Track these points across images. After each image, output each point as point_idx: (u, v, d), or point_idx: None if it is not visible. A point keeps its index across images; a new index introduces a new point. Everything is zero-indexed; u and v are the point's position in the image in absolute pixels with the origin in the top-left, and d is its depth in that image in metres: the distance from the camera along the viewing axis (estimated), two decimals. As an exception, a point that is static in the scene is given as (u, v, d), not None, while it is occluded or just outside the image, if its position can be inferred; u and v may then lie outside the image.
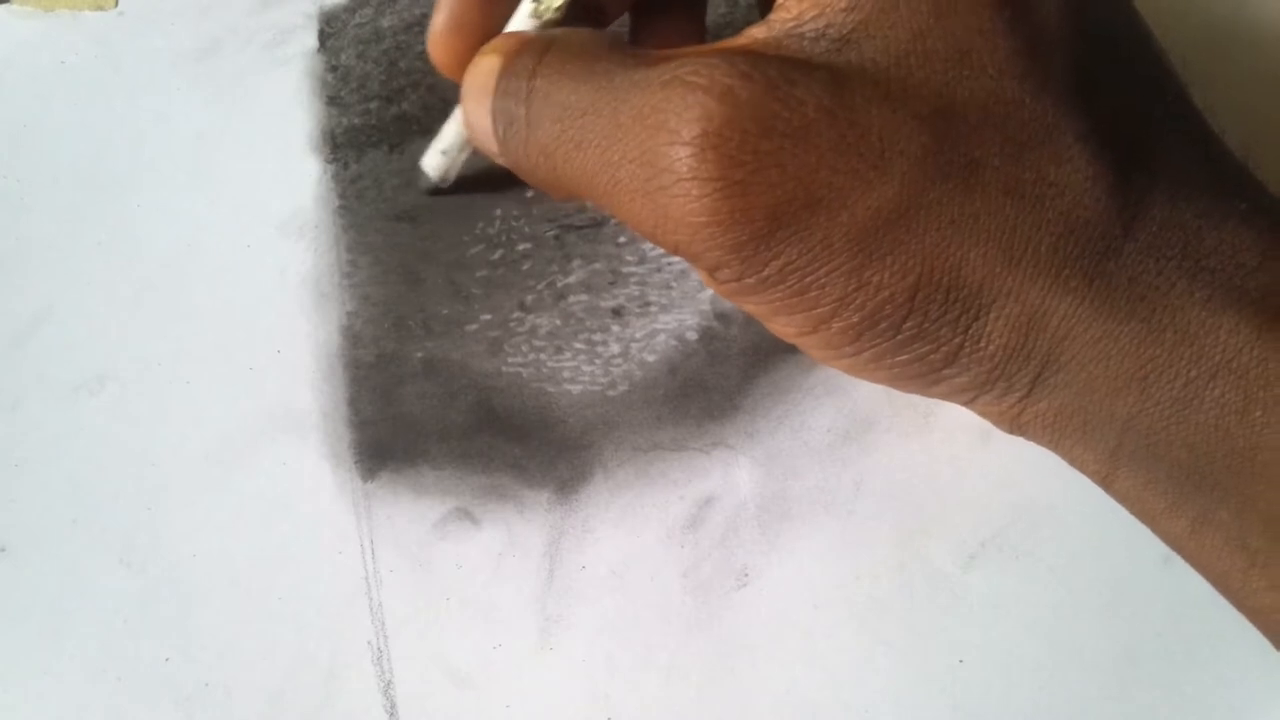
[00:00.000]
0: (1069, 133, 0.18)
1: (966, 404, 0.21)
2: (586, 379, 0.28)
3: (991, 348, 0.19)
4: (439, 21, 0.23)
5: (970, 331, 0.19)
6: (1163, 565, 0.26)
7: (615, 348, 0.29)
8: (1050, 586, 0.26)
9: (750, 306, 0.20)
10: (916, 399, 0.27)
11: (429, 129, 0.31)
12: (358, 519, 0.27)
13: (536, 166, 0.21)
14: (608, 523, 0.27)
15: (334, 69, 0.32)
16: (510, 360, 0.29)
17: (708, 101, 0.17)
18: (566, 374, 0.29)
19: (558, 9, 0.22)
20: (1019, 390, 0.20)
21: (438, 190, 0.29)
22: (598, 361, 0.29)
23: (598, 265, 0.29)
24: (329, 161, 0.31)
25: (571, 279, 0.29)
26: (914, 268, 0.18)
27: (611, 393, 0.28)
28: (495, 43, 0.22)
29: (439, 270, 0.30)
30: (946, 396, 0.21)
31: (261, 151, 0.31)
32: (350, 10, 0.33)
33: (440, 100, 0.31)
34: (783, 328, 0.20)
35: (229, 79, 0.32)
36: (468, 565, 0.27)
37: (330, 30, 0.33)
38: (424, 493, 0.28)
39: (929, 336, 0.19)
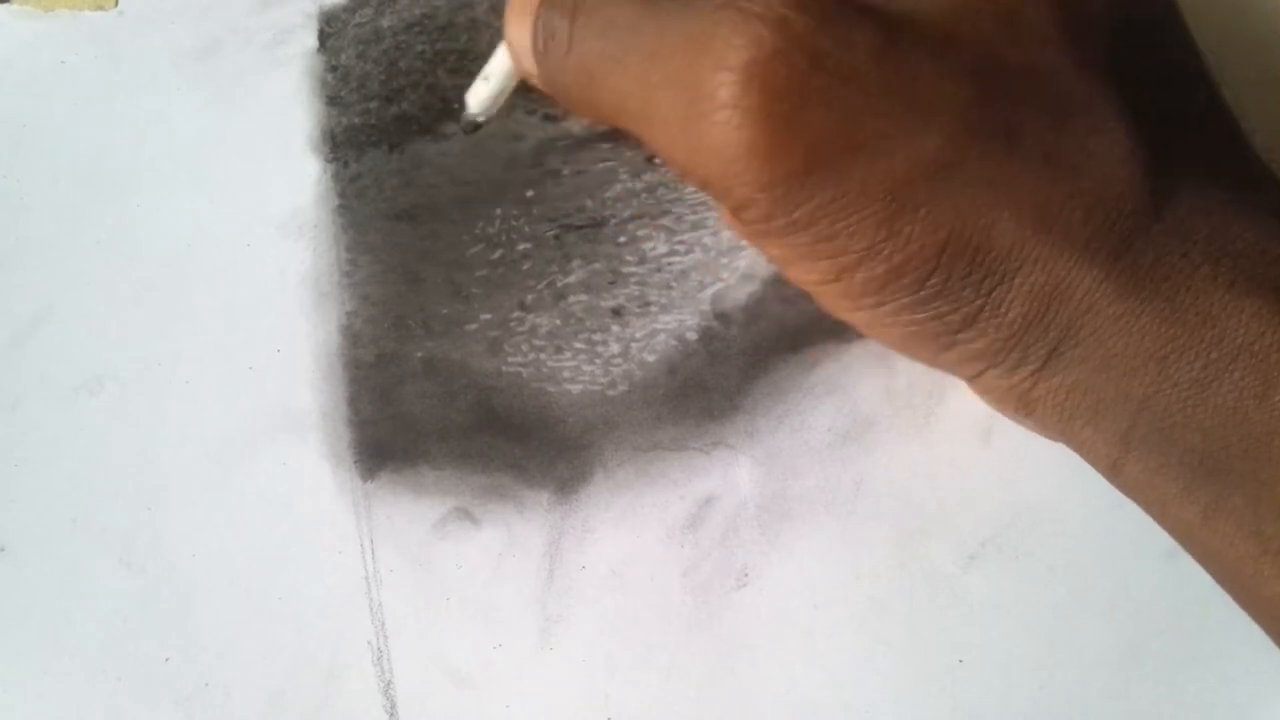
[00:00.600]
0: (1109, 108, 0.18)
1: (976, 376, 0.21)
2: (586, 379, 0.28)
3: (1012, 314, 0.19)
4: None
5: (993, 295, 0.19)
6: (1163, 565, 0.26)
7: (615, 348, 0.29)
8: (1050, 586, 0.26)
9: (774, 250, 0.20)
10: (917, 399, 0.27)
11: (429, 129, 0.31)
12: (358, 519, 0.27)
13: (574, 84, 0.20)
14: (608, 523, 0.27)
15: (334, 69, 0.32)
16: (510, 360, 0.29)
17: (760, 29, 0.17)
18: (566, 374, 0.29)
19: None
20: (1033, 363, 0.19)
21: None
22: (598, 361, 0.29)
23: (598, 265, 0.29)
24: (329, 161, 0.31)
25: (571, 279, 0.29)
26: (946, 224, 0.18)
27: (611, 392, 0.28)
28: None
29: (439, 270, 0.30)
30: (957, 365, 0.21)
31: (261, 151, 0.31)
32: (350, 10, 0.33)
33: (440, 100, 0.31)
34: (803, 274, 0.20)
35: (229, 79, 0.32)
36: (468, 565, 0.27)
37: (330, 30, 0.33)
38: (424, 493, 0.28)
39: (951, 296, 0.19)
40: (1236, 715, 0.25)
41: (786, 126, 0.17)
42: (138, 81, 0.32)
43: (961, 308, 0.19)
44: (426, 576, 0.27)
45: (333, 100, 0.32)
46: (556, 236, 0.30)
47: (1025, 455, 0.26)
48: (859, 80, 0.17)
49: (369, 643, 0.26)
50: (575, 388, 0.28)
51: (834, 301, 0.20)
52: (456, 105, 0.31)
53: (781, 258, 0.20)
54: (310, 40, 0.33)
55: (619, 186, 0.30)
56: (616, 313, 0.29)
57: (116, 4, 0.34)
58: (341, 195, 0.31)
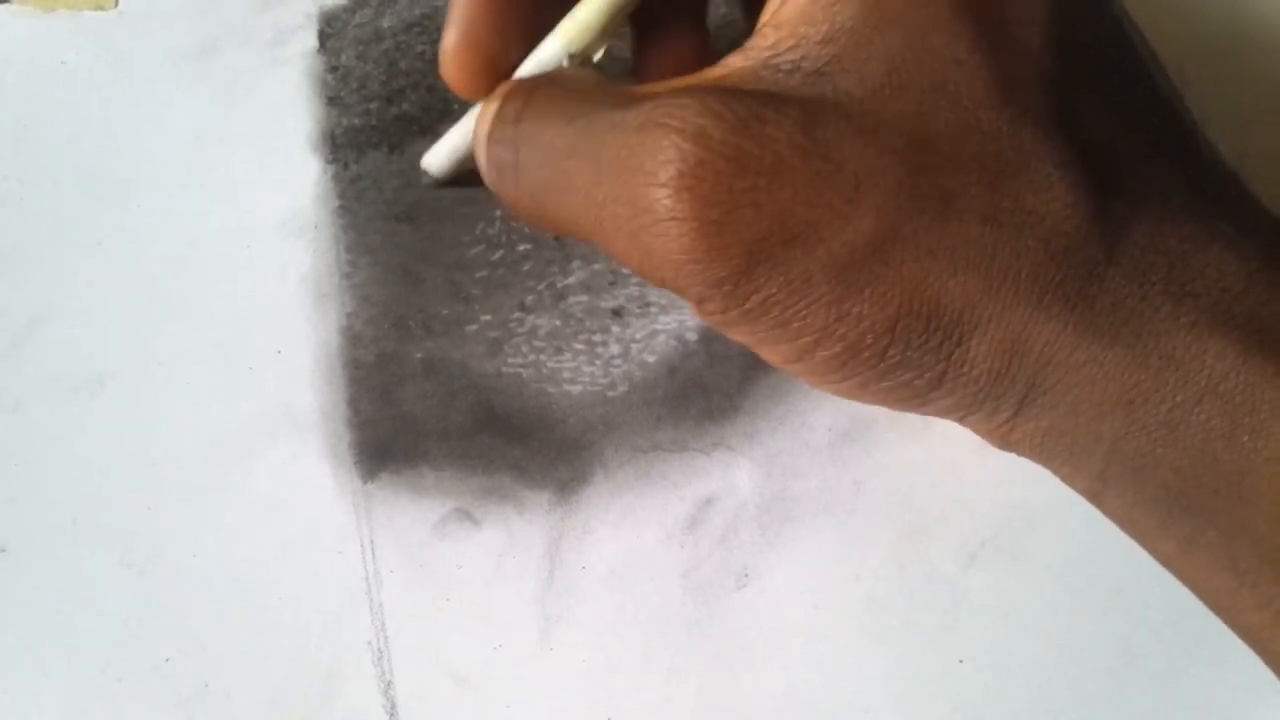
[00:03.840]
0: (1047, 161, 0.18)
1: (958, 421, 0.21)
2: (586, 379, 0.29)
3: (975, 372, 0.19)
4: (449, 39, 0.22)
5: (954, 358, 0.19)
6: (1162, 565, 0.26)
7: (615, 348, 0.29)
8: (1050, 586, 0.26)
9: (738, 336, 0.20)
10: (916, 399, 0.27)
11: (429, 129, 0.31)
12: (358, 519, 0.27)
13: (529, 210, 0.21)
14: (608, 523, 0.27)
15: (334, 69, 0.32)
16: (510, 361, 0.29)
17: (681, 143, 0.18)
18: (566, 374, 0.29)
19: (585, 52, 0.21)
20: (1006, 411, 0.20)
21: (435, 183, 0.29)
22: (598, 362, 0.29)
23: (598, 265, 0.29)
24: (329, 162, 0.31)
25: (571, 279, 0.29)
26: (893, 299, 0.18)
27: (611, 393, 0.28)
28: (501, 88, 0.22)
29: (439, 270, 0.30)
30: (937, 414, 0.21)
31: (261, 151, 0.31)
32: (350, 11, 0.33)
33: (440, 100, 0.31)
34: (771, 355, 0.20)
35: (229, 79, 0.32)
36: (468, 565, 0.27)
37: (330, 30, 0.33)
38: (424, 493, 0.28)
39: (912, 364, 0.19)
40: (1236, 715, 0.25)
41: (720, 230, 0.18)
42: (138, 81, 0.32)
43: (925, 373, 0.19)
44: (426, 577, 0.27)
45: (333, 101, 0.32)
46: (556, 237, 0.30)
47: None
48: (784, 175, 0.18)
49: (369, 643, 0.26)
50: (575, 388, 0.28)
51: (807, 378, 0.21)
52: (456, 106, 0.31)
53: (748, 342, 0.20)
54: (310, 41, 0.33)
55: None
56: (616, 313, 0.29)
57: (116, 4, 0.34)
58: (341, 196, 0.31)
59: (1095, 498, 0.21)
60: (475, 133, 0.22)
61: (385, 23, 0.33)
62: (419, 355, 0.29)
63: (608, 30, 0.21)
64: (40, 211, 0.31)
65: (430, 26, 0.32)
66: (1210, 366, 0.18)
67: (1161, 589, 0.26)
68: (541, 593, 0.27)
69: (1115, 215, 0.18)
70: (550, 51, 0.22)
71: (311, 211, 0.31)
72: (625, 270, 0.29)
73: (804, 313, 0.19)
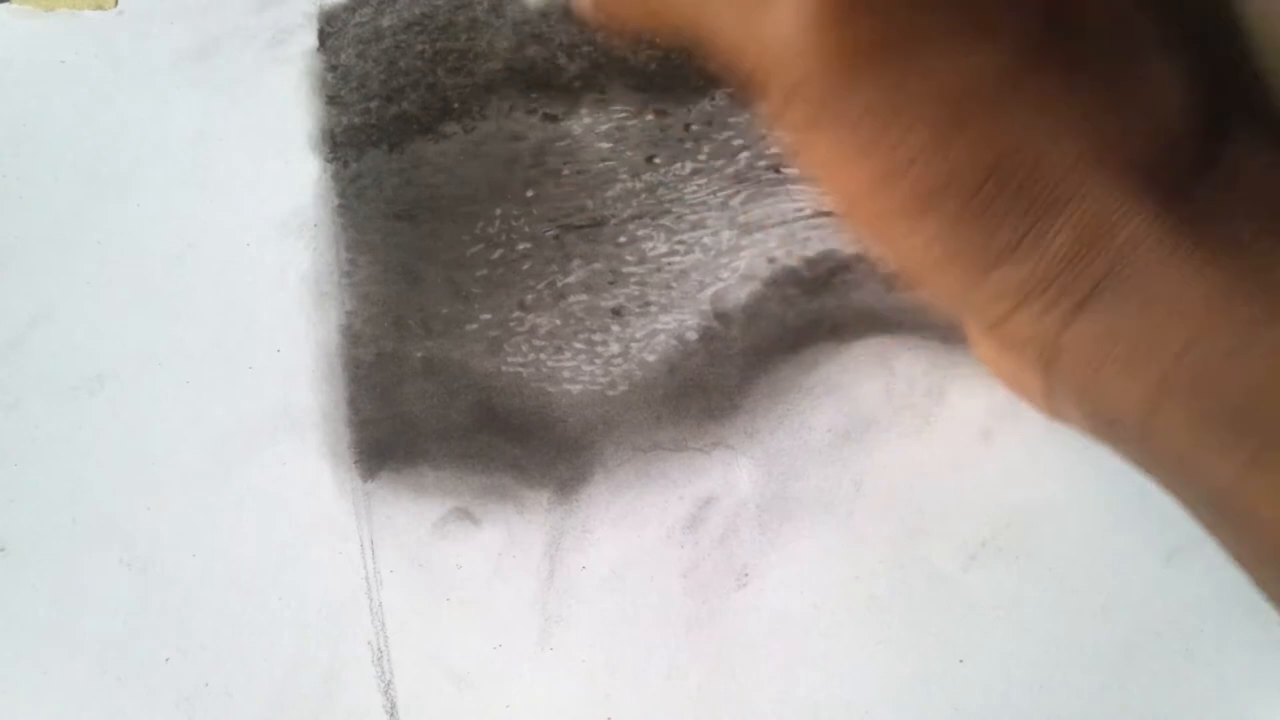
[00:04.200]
0: (1178, 51, 0.18)
1: (1000, 320, 0.20)
2: (586, 379, 0.28)
3: (1056, 245, 0.18)
4: None
5: (1040, 224, 0.18)
6: (1163, 565, 0.26)
7: (615, 347, 0.29)
8: (1050, 586, 0.26)
9: (818, 148, 0.19)
10: (917, 399, 0.27)
11: (429, 128, 0.31)
12: (358, 519, 0.27)
13: None
14: (608, 523, 0.27)
15: (334, 68, 0.32)
16: (510, 360, 0.29)
17: None
18: (566, 374, 0.29)
19: None
20: (1070, 299, 0.19)
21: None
22: (598, 361, 0.29)
23: (598, 265, 0.29)
24: (329, 160, 0.31)
25: (571, 279, 0.29)
26: (998, 143, 0.18)
27: (611, 392, 0.28)
28: None
29: (439, 270, 0.30)
30: (986, 303, 0.20)
31: (261, 151, 0.31)
32: (350, 10, 0.33)
33: (440, 99, 0.31)
34: (846, 178, 0.19)
35: (229, 79, 0.32)
36: (468, 565, 0.27)
37: (330, 29, 0.33)
38: (424, 493, 0.28)
39: (996, 217, 0.18)
40: (1235, 715, 0.25)
41: (851, 11, 0.17)
42: (138, 81, 0.32)
43: (1005, 232, 0.18)
44: (426, 576, 0.27)
45: (333, 100, 0.32)
46: (556, 236, 0.30)
47: (1025, 455, 0.26)
48: None
49: (369, 643, 0.26)
50: (575, 388, 0.28)
51: (871, 216, 0.19)
52: (456, 105, 0.31)
53: (824, 159, 0.19)
54: (310, 40, 0.32)
55: (619, 186, 0.30)
56: (616, 313, 0.29)
57: (116, 4, 0.34)
58: (341, 195, 0.31)
59: (1144, 418, 0.19)
60: None
61: (385, 21, 0.33)
62: (419, 354, 0.29)
63: None
64: (40, 211, 0.31)
65: (430, 25, 0.32)
66: None
67: (1162, 589, 0.26)
68: (541, 592, 0.27)
69: (1224, 125, 0.18)
70: None
71: (311, 210, 0.31)
72: (625, 269, 0.29)
73: (903, 131, 0.18)
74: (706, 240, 0.29)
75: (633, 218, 0.30)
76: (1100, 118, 0.18)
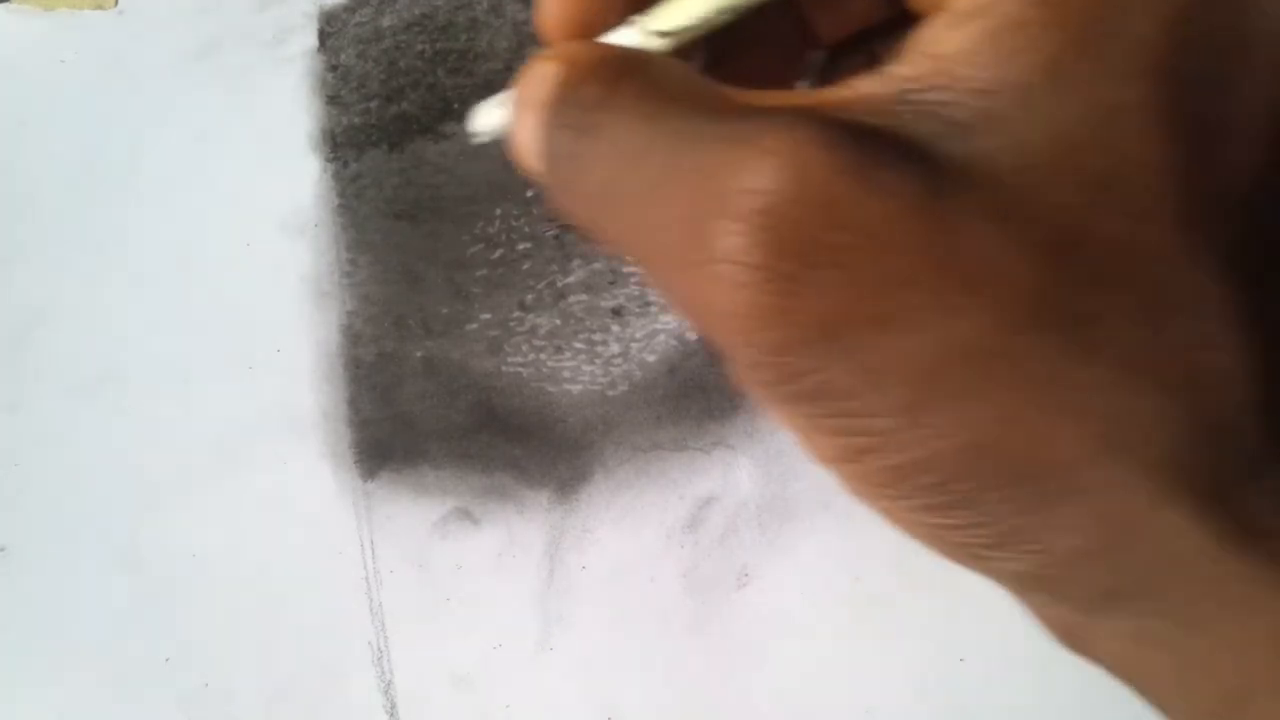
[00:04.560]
0: (1225, 311, 0.14)
1: (1017, 595, 0.17)
2: (586, 379, 0.28)
3: (1061, 545, 0.15)
4: None
5: (1032, 520, 0.15)
6: None
7: (615, 347, 0.29)
8: (1051, 586, 0.26)
9: (782, 416, 0.17)
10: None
11: (429, 128, 0.31)
12: (358, 519, 0.27)
13: (577, 209, 0.18)
14: (608, 523, 0.27)
15: (334, 68, 0.32)
16: (510, 360, 0.29)
17: (776, 172, 0.14)
18: (566, 374, 0.29)
19: (669, 36, 0.18)
20: (1082, 601, 0.16)
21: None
22: (598, 361, 0.29)
23: (598, 265, 0.29)
24: (329, 160, 0.31)
25: (571, 279, 0.29)
26: (985, 422, 0.15)
27: (611, 392, 0.28)
28: (569, 49, 0.18)
29: (439, 269, 0.30)
30: (994, 578, 0.17)
31: (262, 151, 0.31)
32: (350, 10, 0.33)
33: (440, 99, 0.31)
34: (814, 448, 0.17)
35: (229, 79, 0.32)
36: (468, 565, 0.27)
37: (330, 30, 0.33)
38: (424, 493, 0.28)
39: (981, 508, 0.15)
40: (1237, 715, 0.25)
41: (796, 289, 0.14)
42: (138, 81, 0.32)
43: (993, 524, 0.15)
44: (426, 576, 0.27)
45: (333, 100, 0.32)
46: (556, 236, 0.30)
47: (1026, 455, 0.26)
48: (892, 241, 0.14)
49: (369, 643, 0.26)
50: (575, 388, 0.28)
51: (851, 484, 0.17)
52: (456, 105, 0.31)
53: (793, 427, 0.17)
54: (310, 40, 0.32)
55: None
56: (616, 313, 0.29)
57: (116, 4, 0.34)
58: (342, 195, 0.31)
59: None
60: (526, 97, 0.18)
61: (385, 22, 0.33)
62: (419, 354, 0.29)
63: (716, 18, 0.18)
64: (40, 211, 0.31)
65: (430, 26, 0.32)
66: None
67: (1163, 589, 0.26)
68: (541, 592, 0.27)
69: None
70: (640, 29, 0.18)
71: (312, 210, 0.31)
72: (626, 269, 0.29)
73: (867, 409, 0.15)
74: (707, 240, 0.29)
75: (633, 217, 0.30)
76: (1121, 396, 0.14)
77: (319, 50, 0.32)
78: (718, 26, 0.18)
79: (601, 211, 0.17)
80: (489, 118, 0.22)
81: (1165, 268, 0.14)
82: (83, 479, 0.28)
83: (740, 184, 0.14)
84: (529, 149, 0.18)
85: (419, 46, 0.32)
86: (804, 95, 0.16)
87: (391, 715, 0.26)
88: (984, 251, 0.14)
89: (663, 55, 0.18)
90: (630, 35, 0.19)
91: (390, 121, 0.31)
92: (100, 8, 0.34)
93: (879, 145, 0.14)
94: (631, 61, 0.17)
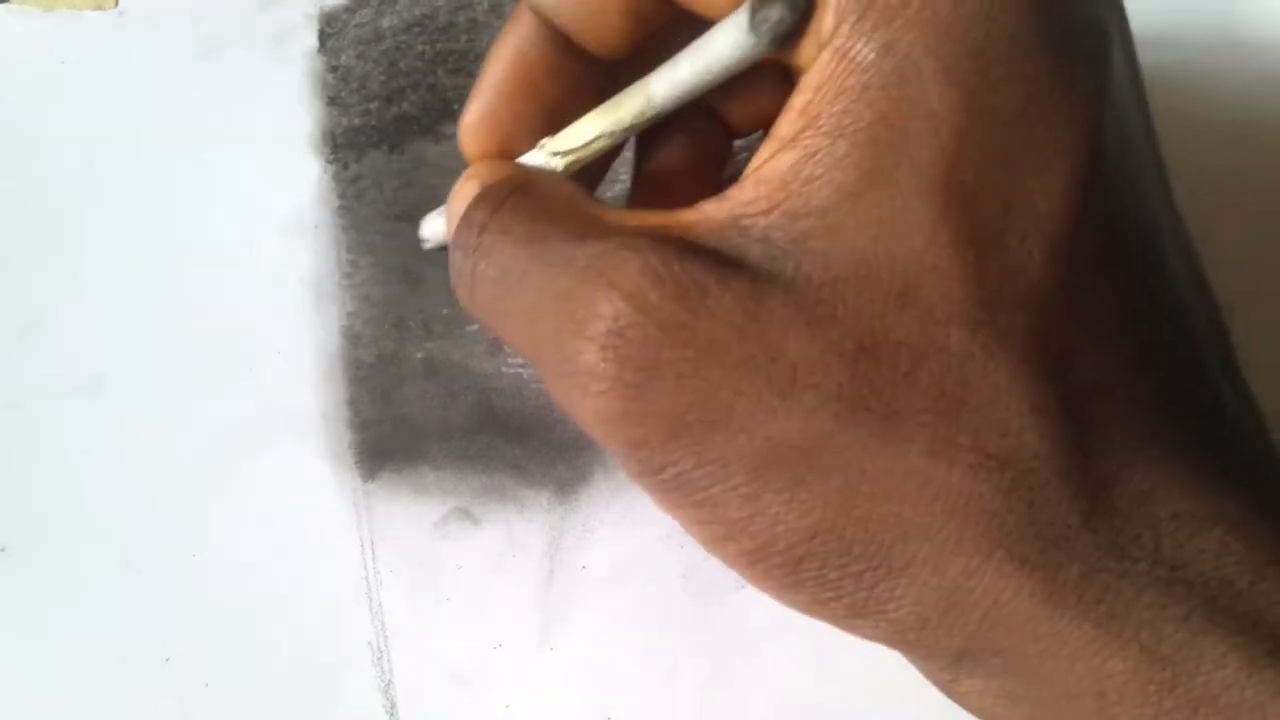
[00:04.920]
0: (1022, 400, 0.16)
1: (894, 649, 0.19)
2: (586, 379, 0.29)
3: (902, 612, 0.17)
4: (469, 114, 0.21)
5: (876, 590, 0.17)
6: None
7: (615, 348, 0.29)
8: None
9: (656, 502, 0.18)
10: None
11: (429, 129, 0.31)
12: (358, 519, 0.27)
13: (479, 318, 0.20)
14: (608, 523, 0.27)
15: (334, 69, 0.32)
16: (510, 360, 0.29)
17: (615, 300, 0.16)
18: (566, 374, 0.29)
19: (566, 155, 0.20)
20: (941, 660, 0.18)
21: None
22: (598, 362, 0.29)
23: (598, 266, 0.29)
24: (329, 161, 0.31)
25: (571, 279, 0.29)
26: (814, 509, 0.16)
27: (611, 393, 0.28)
28: (480, 168, 0.21)
29: (439, 270, 0.30)
30: (874, 640, 0.19)
31: (262, 151, 0.31)
32: (350, 10, 0.33)
33: (440, 100, 0.31)
34: (691, 534, 0.18)
35: (229, 79, 0.32)
36: (468, 565, 0.27)
37: (330, 30, 0.33)
38: (424, 493, 0.28)
39: (830, 585, 0.17)
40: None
41: (639, 396, 0.16)
42: (138, 81, 0.32)
43: (843, 597, 0.17)
44: (426, 577, 0.27)
45: (333, 101, 0.32)
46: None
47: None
48: (716, 353, 0.16)
49: (369, 643, 0.26)
50: (575, 388, 0.28)
51: (728, 565, 0.18)
52: (457, 106, 0.31)
53: (672, 516, 0.18)
54: (311, 40, 0.33)
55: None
56: (616, 313, 0.29)
57: (116, 4, 0.34)
58: (342, 196, 0.31)
59: None
60: (449, 211, 0.21)
61: (385, 22, 0.33)
62: (419, 355, 0.29)
63: (607, 141, 0.20)
64: (40, 211, 0.31)
65: (430, 26, 0.32)
66: (1207, 674, 0.15)
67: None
68: (541, 592, 0.27)
69: (1095, 474, 0.16)
70: (546, 151, 0.21)
71: (312, 211, 0.31)
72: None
73: (718, 499, 0.17)
74: (706, 241, 0.29)
75: (633, 218, 0.30)
76: (932, 479, 0.16)
77: (319, 51, 0.32)
78: (611, 145, 0.20)
79: (493, 323, 0.19)
80: (433, 227, 0.24)
81: (963, 365, 0.16)
82: (83, 479, 0.28)
83: (591, 308, 0.16)
84: (450, 272, 0.20)
85: (419, 47, 0.32)
86: (660, 217, 0.17)
87: (391, 715, 0.26)
88: (797, 358, 0.16)
89: (556, 175, 0.20)
90: (537, 156, 0.21)
91: (391, 123, 0.31)
92: (100, 8, 0.34)
93: (704, 269, 0.16)
94: (518, 182, 0.20)
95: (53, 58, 0.33)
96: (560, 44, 0.21)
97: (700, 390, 0.16)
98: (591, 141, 0.20)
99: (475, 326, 0.29)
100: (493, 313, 0.19)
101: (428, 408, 0.28)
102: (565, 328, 0.17)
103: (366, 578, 0.27)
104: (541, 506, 0.27)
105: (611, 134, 0.20)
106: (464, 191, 0.21)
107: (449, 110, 0.31)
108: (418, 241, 0.24)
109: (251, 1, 0.33)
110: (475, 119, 0.21)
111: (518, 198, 0.19)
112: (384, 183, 0.31)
